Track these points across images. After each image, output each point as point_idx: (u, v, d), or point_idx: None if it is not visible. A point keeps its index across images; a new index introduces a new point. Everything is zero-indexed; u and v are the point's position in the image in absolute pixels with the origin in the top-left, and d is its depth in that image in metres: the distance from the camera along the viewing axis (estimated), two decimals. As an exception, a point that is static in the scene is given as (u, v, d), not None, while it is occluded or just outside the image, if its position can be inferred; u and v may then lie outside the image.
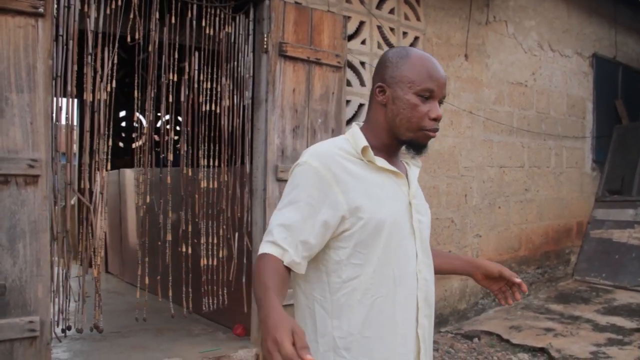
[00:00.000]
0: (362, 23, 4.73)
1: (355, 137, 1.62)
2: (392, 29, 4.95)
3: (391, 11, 4.97)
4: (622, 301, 6.29)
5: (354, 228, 1.52)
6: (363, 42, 4.73)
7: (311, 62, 4.13)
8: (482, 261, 1.91)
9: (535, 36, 6.73)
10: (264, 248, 1.47)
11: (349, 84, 4.55)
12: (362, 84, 4.70)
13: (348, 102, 4.54)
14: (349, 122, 4.56)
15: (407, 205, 1.63)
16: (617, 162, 8.06)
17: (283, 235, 1.46)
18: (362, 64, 4.69)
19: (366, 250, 1.53)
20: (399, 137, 1.62)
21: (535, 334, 5.16)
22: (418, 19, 5.20)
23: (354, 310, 1.53)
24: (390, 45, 4.91)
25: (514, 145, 6.33)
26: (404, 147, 1.66)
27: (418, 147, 1.63)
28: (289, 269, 1.47)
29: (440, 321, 5.36)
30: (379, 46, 4.83)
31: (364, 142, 1.59)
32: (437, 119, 1.58)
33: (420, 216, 1.66)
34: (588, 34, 7.72)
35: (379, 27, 4.84)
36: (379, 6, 4.87)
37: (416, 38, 5.18)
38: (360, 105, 4.69)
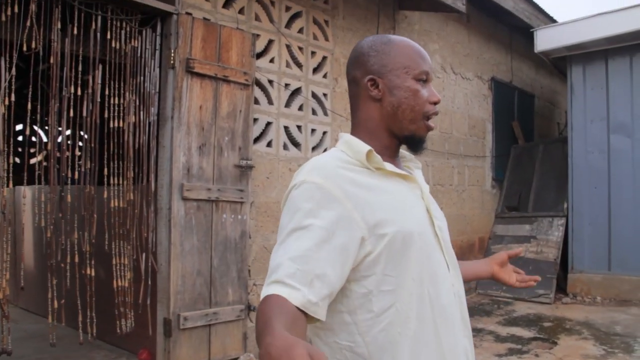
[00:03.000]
0: (271, 41, 4.75)
1: (351, 144, 1.40)
2: (300, 48, 4.99)
3: (300, 30, 5.02)
4: (521, 312, 6.59)
5: (378, 248, 1.26)
6: (272, 61, 4.74)
7: (219, 79, 4.10)
8: (489, 257, 1.80)
9: (439, 59, 6.98)
10: (268, 290, 1.14)
11: (256, 102, 4.54)
12: (270, 102, 4.70)
13: (256, 120, 4.52)
14: (256, 140, 4.54)
15: (425, 211, 1.41)
16: (514, 180, 8.47)
17: (291, 271, 1.15)
18: (271, 82, 4.70)
19: (396, 271, 1.28)
20: (400, 133, 1.42)
21: (440, 348, 5.27)
22: (326, 39, 5.28)
23: (399, 346, 1.27)
24: (298, 64, 4.95)
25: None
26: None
27: (419, 142, 1.45)
28: (304, 314, 1.12)
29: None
30: (287, 65, 4.86)
31: (366, 146, 1.36)
32: (437, 102, 1.42)
33: (440, 222, 1.45)
34: (487, 59, 8.11)
35: (288, 46, 4.88)
36: (288, 25, 4.91)
37: (324, 57, 5.25)
38: (268, 124, 4.68)
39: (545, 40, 7.75)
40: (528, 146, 8.78)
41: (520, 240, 7.77)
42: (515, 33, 8.71)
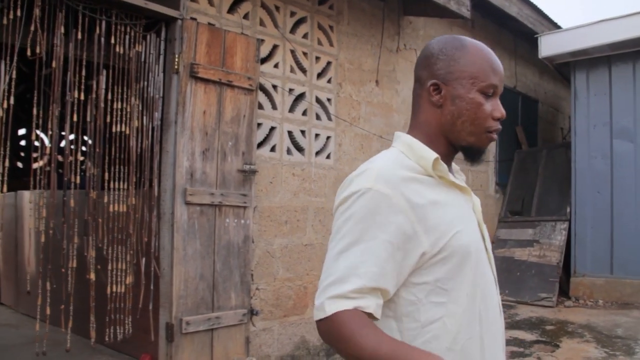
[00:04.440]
0: (275, 46, 4.75)
1: (414, 148, 1.34)
2: (305, 54, 4.99)
3: (305, 36, 5.02)
4: (524, 315, 6.58)
5: (435, 260, 1.24)
6: (276, 66, 4.74)
7: (223, 84, 4.10)
8: None
9: (442, 64, 6.97)
10: (337, 305, 1.15)
11: (260, 107, 4.54)
12: (274, 107, 4.71)
13: (259, 125, 4.53)
14: (260, 145, 4.54)
15: (477, 225, 1.37)
16: (517, 185, 8.46)
17: (357, 285, 1.15)
18: (275, 87, 4.70)
19: (450, 285, 1.25)
20: (457, 143, 1.36)
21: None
22: (331, 44, 5.28)
23: None
24: (303, 69, 4.95)
25: (422, 169, 6.50)
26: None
27: (478, 153, 1.39)
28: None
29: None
30: (292, 70, 4.87)
31: (432, 153, 1.31)
32: (501, 119, 1.36)
33: (488, 238, 1.41)
34: (491, 64, 8.08)
35: (292, 51, 4.88)
36: (292, 30, 4.91)
37: (329, 63, 5.25)
38: (272, 129, 4.68)
39: (549, 46, 7.75)
40: (531, 151, 8.77)
41: (523, 244, 7.76)
42: (519, 39, 8.70)
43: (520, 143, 8.86)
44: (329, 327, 1.16)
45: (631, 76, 7.46)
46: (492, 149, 8.13)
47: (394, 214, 1.20)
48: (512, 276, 7.53)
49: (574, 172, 7.75)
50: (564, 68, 8.25)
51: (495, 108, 1.34)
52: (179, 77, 3.90)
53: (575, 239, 7.62)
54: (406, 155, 1.33)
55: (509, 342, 5.53)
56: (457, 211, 1.31)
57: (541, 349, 5.32)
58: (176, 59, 3.90)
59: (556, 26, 8.87)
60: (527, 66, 9.15)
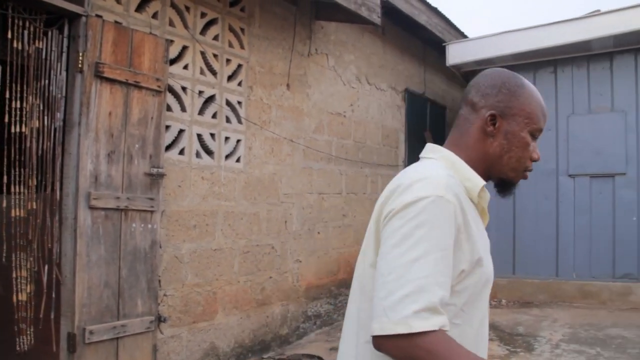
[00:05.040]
0: (185, 47, 4.66)
1: (459, 168, 1.36)
2: (215, 55, 4.93)
3: (215, 37, 4.95)
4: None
5: (467, 282, 1.25)
6: (185, 67, 4.65)
7: (130, 85, 3.98)
8: None
9: (354, 70, 7.09)
10: (429, 321, 1.10)
11: (169, 108, 4.44)
12: (183, 109, 4.61)
13: (168, 127, 4.42)
14: (168, 148, 4.44)
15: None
16: (425, 189, 8.68)
17: (439, 296, 1.12)
18: (184, 89, 4.61)
19: (470, 308, 1.27)
20: (496, 174, 1.41)
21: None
22: (242, 47, 5.24)
23: None
24: (213, 71, 4.88)
25: (332, 172, 6.58)
26: None
27: (511, 187, 1.45)
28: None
29: (263, 347, 5.36)
30: (202, 72, 4.79)
31: (480, 178, 1.35)
32: (536, 161, 1.41)
33: None
34: (401, 70, 8.30)
35: (203, 53, 4.80)
36: (203, 32, 4.84)
37: (239, 66, 5.21)
38: (181, 131, 4.58)
39: (456, 54, 8.04)
40: (439, 156, 9.03)
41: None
42: (428, 46, 8.97)
43: (428, 148, 9.11)
44: (415, 344, 1.09)
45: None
46: (401, 153, 8.33)
47: (457, 228, 1.21)
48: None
49: (479, 177, 8.06)
50: (471, 76, 8.56)
51: (535, 151, 1.40)
52: (83, 77, 3.75)
53: (480, 241, 7.93)
54: (451, 174, 1.33)
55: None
56: (485, 238, 1.36)
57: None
58: (80, 58, 3.75)
59: (463, 35, 9.22)
60: (435, 73, 9.44)
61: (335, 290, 6.58)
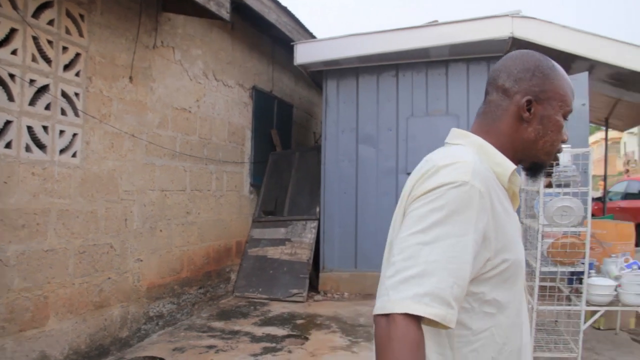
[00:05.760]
0: (14, 30, 4.26)
1: (489, 153, 1.33)
2: (50, 42, 4.58)
3: (50, 22, 4.60)
4: (276, 312, 6.87)
5: (495, 271, 1.23)
6: (14, 52, 4.26)
7: (-53, 71, 3.59)
8: None
9: (201, 65, 6.95)
10: (429, 308, 1.07)
11: (-5, 98, 4.07)
12: (11, 99, 4.22)
13: (-6, 118, 4.05)
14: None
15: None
16: (271, 186, 8.78)
17: (447, 284, 1.09)
18: (12, 76, 4.23)
19: (502, 295, 1.25)
20: (529, 159, 1.39)
21: (198, 353, 5.27)
22: (81, 34, 4.93)
23: None
24: (47, 59, 4.54)
25: (176, 169, 6.41)
26: None
27: (542, 170, 1.42)
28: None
29: (101, 352, 5.10)
30: (34, 59, 4.43)
31: (511, 163, 1.32)
32: (565, 142, 1.40)
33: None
34: (249, 68, 8.29)
35: (35, 38, 4.44)
36: (35, 15, 4.46)
37: (77, 54, 4.89)
38: (8, 123, 4.20)
39: (304, 54, 8.17)
40: (285, 153, 9.16)
41: (276, 243, 8.08)
42: (277, 45, 9.04)
43: (275, 145, 9.20)
44: (395, 325, 1.06)
45: (375, 88, 8.22)
46: (247, 150, 8.32)
47: (484, 213, 1.18)
48: (265, 274, 7.81)
49: (324, 174, 8.32)
50: (318, 76, 8.78)
51: (565, 132, 1.39)
52: None
53: (324, 236, 8.19)
54: (480, 158, 1.30)
55: (261, 338, 5.71)
56: (515, 223, 1.33)
57: (292, 342, 5.59)
58: None
59: (312, 36, 9.41)
60: (283, 72, 9.54)
61: (178, 289, 6.43)
